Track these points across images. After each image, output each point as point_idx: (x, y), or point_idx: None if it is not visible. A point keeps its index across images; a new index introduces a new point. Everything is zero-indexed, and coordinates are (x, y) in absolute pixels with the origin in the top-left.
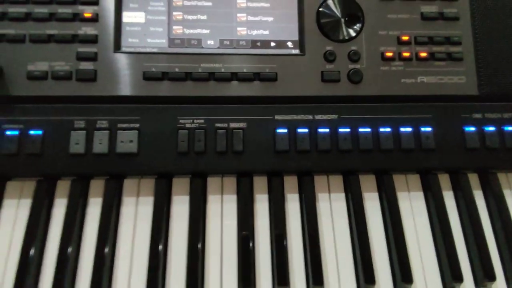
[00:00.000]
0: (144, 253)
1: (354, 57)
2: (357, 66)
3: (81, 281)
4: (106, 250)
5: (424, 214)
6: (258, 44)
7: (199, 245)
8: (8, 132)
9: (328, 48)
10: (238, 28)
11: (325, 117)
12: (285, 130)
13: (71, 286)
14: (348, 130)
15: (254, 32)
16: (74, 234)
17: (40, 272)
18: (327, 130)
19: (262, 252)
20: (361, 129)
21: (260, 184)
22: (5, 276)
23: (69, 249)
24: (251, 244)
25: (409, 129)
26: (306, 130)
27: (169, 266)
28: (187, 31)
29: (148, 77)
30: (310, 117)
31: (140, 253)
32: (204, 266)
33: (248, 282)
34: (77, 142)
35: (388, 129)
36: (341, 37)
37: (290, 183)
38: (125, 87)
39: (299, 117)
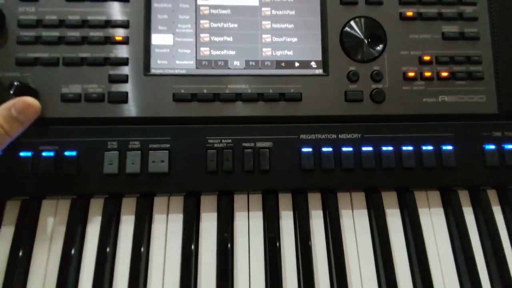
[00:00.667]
0: (176, 267)
1: (376, 77)
2: (380, 86)
3: None
4: (140, 265)
5: (444, 229)
6: (283, 64)
7: (229, 259)
8: (44, 153)
9: (351, 68)
10: (263, 49)
11: (348, 136)
12: (310, 149)
13: None
14: (371, 149)
15: (279, 53)
16: (108, 250)
17: None
18: (351, 149)
19: (288, 265)
20: (383, 148)
21: (285, 200)
22: None
23: (105, 265)
24: (278, 258)
25: (430, 148)
26: (331, 149)
27: (199, 279)
28: (214, 52)
29: (177, 98)
30: (334, 136)
31: (172, 267)
32: (233, 281)
33: None
34: (110, 163)
35: (410, 148)
36: (364, 58)
37: (314, 200)
38: (156, 109)
39: (323, 136)
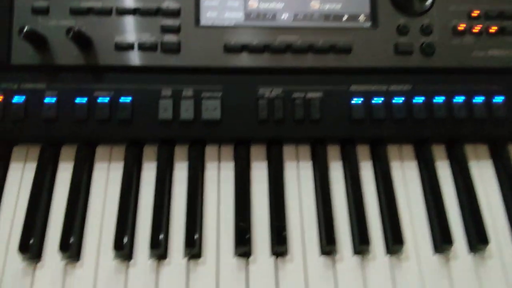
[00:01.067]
0: (230, 214)
1: (426, 30)
2: (430, 39)
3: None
4: (197, 211)
5: (493, 182)
6: (331, 17)
7: (282, 204)
8: (99, 99)
9: (401, 21)
10: (312, 2)
11: (399, 87)
12: (360, 100)
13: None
14: (422, 99)
15: (327, 6)
16: (165, 195)
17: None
18: (402, 99)
19: (340, 215)
20: (434, 99)
21: (334, 152)
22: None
23: (163, 209)
24: (331, 207)
25: (481, 99)
26: (381, 100)
27: (254, 227)
28: (262, 5)
29: (228, 49)
30: (385, 87)
31: (225, 214)
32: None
33: (333, 241)
34: (165, 110)
35: (461, 99)
36: (414, 11)
37: (363, 152)
38: (207, 59)
39: (373, 87)
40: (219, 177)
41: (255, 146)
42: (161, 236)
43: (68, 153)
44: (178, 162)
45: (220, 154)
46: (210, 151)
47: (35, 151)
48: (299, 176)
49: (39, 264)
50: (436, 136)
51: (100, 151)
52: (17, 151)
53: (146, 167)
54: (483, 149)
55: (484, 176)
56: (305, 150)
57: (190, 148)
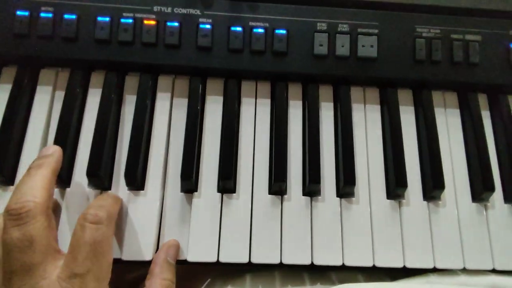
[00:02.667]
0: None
1: None
2: None
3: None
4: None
5: None
6: None
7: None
8: (255, 30)
9: None
10: None
11: None
12: None
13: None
14: None
15: None
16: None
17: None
18: None
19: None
20: None
21: (483, 99)
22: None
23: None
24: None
25: None
26: None
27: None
28: None
29: None
30: None
31: (374, 152)
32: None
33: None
34: (321, 44)
35: None
36: None
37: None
38: None
39: None
40: (366, 118)
41: (402, 91)
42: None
43: (216, 86)
44: (324, 102)
45: (365, 94)
46: (355, 91)
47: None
48: (447, 123)
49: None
50: None
51: (246, 86)
52: (164, 81)
53: (292, 104)
54: None
55: None
56: (454, 97)
57: (337, 88)
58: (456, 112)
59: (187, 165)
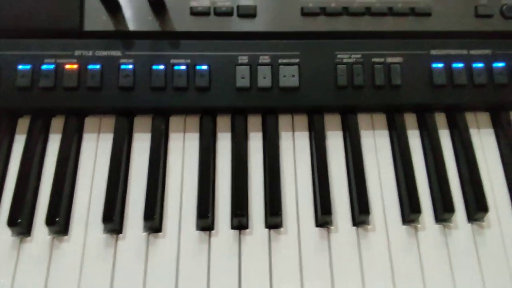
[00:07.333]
0: (308, 180)
1: None
2: (510, 1)
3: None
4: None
5: None
6: None
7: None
8: (176, 67)
9: None
10: None
11: (479, 52)
12: (441, 65)
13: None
14: (503, 64)
15: None
16: (244, 163)
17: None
18: (482, 65)
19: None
20: None
21: (411, 119)
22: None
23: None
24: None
25: None
26: (462, 65)
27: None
28: None
29: (305, 12)
30: (465, 52)
31: (303, 180)
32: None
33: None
34: (242, 77)
35: None
36: None
37: (441, 118)
38: (284, 23)
39: (454, 52)
40: (294, 146)
41: (329, 116)
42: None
43: (143, 121)
44: (252, 132)
45: (293, 122)
46: (284, 119)
47: (108, 121)
48: (376, 144)
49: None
50: None
51: (174, 120)
52: (90, 121)
53: (220, 137)
54: None
55: None
56: (382, 118)
57: (264, 116)
58: (385, 133)
59: (109, 205)
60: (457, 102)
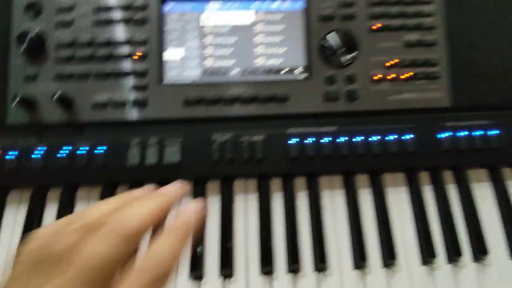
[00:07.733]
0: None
1: (350, 80)
2: (353, 87)
3: None
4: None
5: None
6: (273, 71)
7: (230, 228)
8: (78, 152)
9: (330, 73)
10: (257, 59)
11: (327, 129)
12: (296, 141)
13: None
14: (346, 139)
15: (270, 62)
16: None
17: None
18: (329, 139)
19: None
20: (356, 138)
21: (276, 184)
22: None
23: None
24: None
25: (395, 137)
26: (313, 140)
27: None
28: (216, 63)
29: (187, 102)
30: (316, 129)
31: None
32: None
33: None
34: (134, 156)
35: (378, 137)
36: (340, 64)
37: (300, 183)
38: (170, 111)
39: (306, 129)
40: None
41: (211, 184)
42: None
43: (53, 196)
44: None
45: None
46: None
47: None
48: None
49: None
50: (359, 168)
51: (81, 193)
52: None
53: None
54: (399, 177)
55: (399, 203)
56: (253, 183)
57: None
58: (254, 196)
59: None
60: (311, 170)
